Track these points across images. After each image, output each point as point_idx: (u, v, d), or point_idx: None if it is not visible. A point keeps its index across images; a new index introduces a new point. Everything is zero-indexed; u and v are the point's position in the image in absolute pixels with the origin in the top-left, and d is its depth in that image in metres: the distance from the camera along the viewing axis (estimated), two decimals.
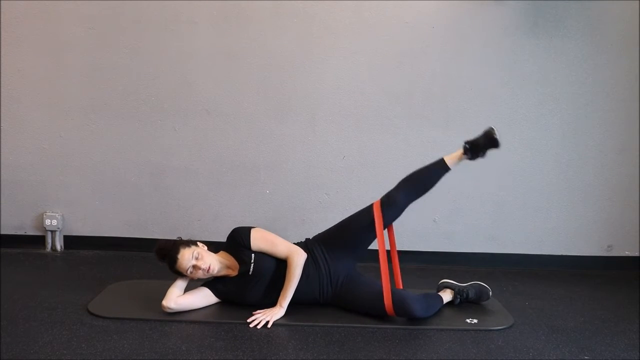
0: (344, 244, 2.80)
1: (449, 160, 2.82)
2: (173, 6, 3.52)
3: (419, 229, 3.68)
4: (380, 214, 2.77)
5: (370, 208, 2.82)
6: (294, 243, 2.81)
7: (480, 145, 2.78)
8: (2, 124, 3.63)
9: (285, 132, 3.63)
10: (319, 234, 2.90)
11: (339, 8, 3.51)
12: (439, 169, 2.83)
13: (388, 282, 2.66)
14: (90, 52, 3.56)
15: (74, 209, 3.72)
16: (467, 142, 2.80)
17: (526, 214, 3.68)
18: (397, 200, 2.80)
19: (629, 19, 3.51)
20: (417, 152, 3.62)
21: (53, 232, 3.71)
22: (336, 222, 2.89)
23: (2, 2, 3.51)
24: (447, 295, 2.87)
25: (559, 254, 3.71)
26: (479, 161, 3.55)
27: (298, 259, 2.67)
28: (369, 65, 3.56)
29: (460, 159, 2.82)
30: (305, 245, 2.81)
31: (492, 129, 2.76)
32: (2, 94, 3.61)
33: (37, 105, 3.62)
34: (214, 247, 2.80)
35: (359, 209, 2.87)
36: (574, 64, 3.55)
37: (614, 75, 3.56)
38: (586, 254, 3.71)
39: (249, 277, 2.69)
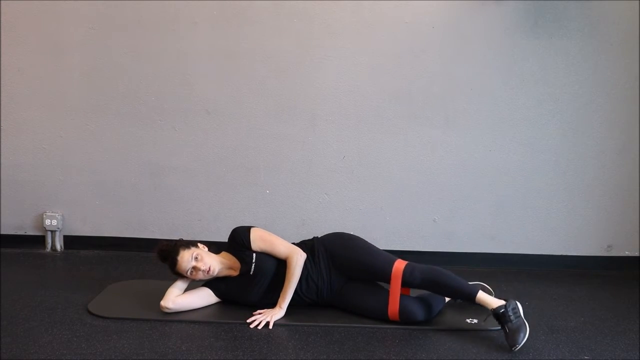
0: (351, 273, 2.74)
1: (478, 298, 2.53)
2: (173, 6, 3.52)
3: (419, 229, 3.68)
4: (399, 286, 2.60)
5: (389, 265, 2.63)
6: (302, 241, 2.81)
7: (508, 329, 2.42)
8: (2, 124, 3.63)
9: (285, 132, 3.62)
10: (329, 239, 2.82)
11: (339, 8, 3.51)
12: (464, 294, 2.60)
13: (397, 296, 2.60)
14: (90, 52, 3.56)
15: (74, 209, 3.71)
16: (506, 314, 2.43)
17: (526, 214, 3.68)
18: (414, 283, 2.61)
19: (629, 19, 3.51)
20: (417, 152, 3.62)
21: (53, 232, 3.71)
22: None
23: (2, 2, 3.51)
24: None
25: (559, 254, 3.71)
26: (479, 168, 3.58)
27: (298, 259, 2.67)
28: (369, 65, 3.56)
29: (488, 307, 2.49)
30: (311, 243, 2.79)
31: (519, 343, 2.38)
32: (2, 94, 3.60)
33: (37, 105, 3.61)
34: (215, 247, 2.80)
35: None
36: (574, 64, 3.54)
37: (614, 75, 3.55)
38: (586, 254, 3.70)
39: (251, 277, 2.70)
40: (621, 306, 3.01)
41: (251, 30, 3.53)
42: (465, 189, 3.64)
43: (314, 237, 2.86)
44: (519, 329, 2.41)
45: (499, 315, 2.43)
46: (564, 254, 3.71)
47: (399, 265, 2.63)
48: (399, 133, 3.62)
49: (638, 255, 3.70)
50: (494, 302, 2.48)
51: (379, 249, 2.78)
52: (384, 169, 3.64)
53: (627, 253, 3.71)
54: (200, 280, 2.73)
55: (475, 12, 3.51)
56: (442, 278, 2.59)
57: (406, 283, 2.62)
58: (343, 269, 2.74)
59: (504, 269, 3.65)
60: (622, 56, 3.53)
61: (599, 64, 3.54)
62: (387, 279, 2.64)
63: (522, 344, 2.37)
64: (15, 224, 3.73)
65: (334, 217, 3.67)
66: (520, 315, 2.46)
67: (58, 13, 3.52)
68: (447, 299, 2.84)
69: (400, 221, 3.67)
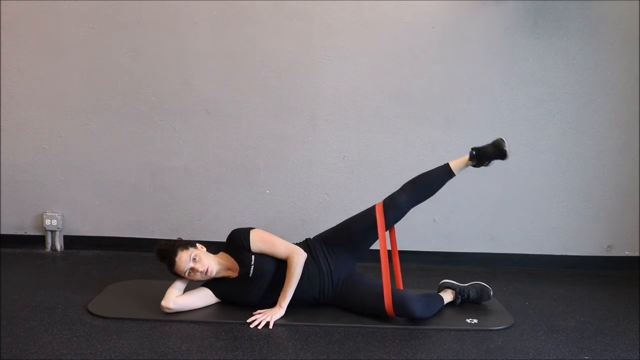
0: (345, 244, 2.80)
1: (453, 166, 2.82)
2: (173, 6, 3.52)
3: (419, 229, 3.68)
4: (383, 216, 2.77)
5: (372, 209, 2.82)
6: (295, 243, 2.81)
7: (487, 154, 2.78)
8: (2, 124, 3.63)
9: (285, 132, 3.63)
10: (320, 233, 2.90)
11: (339, 8, 3.51)
12: (443, 174, 2.83)
13: (389, 283, 2.66)
14: (90, 52, 3.56)
15: (74, 209, 3.72)
16: (474, 149, 2.79)
17: (526, 214, 3.68)
18: (400, 203, 2.80)
19: (629, 19, 3.51)
20: (417, 152, 3.62)
21: (53, 232, 3.71)
22: (337, 222, 2.89)
23: (2, 2, 3.51)
24: (448, 296, 2.87)
25: (559, 254, 3.71)
26: (479, 168, 3.57)
27: (298, 258, 2.67)
28: (369, 65, 3.56)
29: (465, 165, 2.82)
30: (306, 244, 2.81)
31: (502, 140, 2.75)
32: (2, 94, 3.61)
33: (37, 105, 3.62)
34: (214, 247, 2.80)
35: (359, 209, 2.87)
36: (574, 64, 3.55)
37: (614, 75, 3.56)
38: (586, 254, 3.71)
39: (249, 279, 2.69)
40: (621, 306, 3.02)
41: (251, 30, 3.54)
42: (465, 189, 3.64)
43: (306, 239, 2.88)
44: (495, 144, 2.76)
45: (476, 152, 2.76)
46: (564, 254, 3.71)
47: (379, 203, 2.82)
48: (399, 133, 3.62)
49: (638, 255, 3.71)
50: (466, 159, 2.80)
51: None
52: (384, 169, 3.64)
53: (627, 253, 3.71)
54: (200, 281, 2.73)
55: (475, 12, 3.51)
56: (415, 178, 2.83)
57: (387, 206, 2.78)
58: (339, 247, 2.78)
59: (504, 269, 3.65)
60: (622, 56, 3.54)
61: (599, 64, 3.55)
62: (374, 218, 2.76)
63: (508, 148, 2.73)
64: (15, 224, 3.73)
65: (334, 217, 3.64)
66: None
67: (58, 13, 3.53)
68: (447, 300, 2.84)
69: (400, 221, 3.66)
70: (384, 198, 2.85)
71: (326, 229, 2.92)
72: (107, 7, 3.52)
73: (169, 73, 3.58)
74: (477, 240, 3.70)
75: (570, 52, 3.54)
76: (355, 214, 2.88)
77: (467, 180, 3.62)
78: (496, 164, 3.58)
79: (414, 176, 2.86)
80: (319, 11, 3.52)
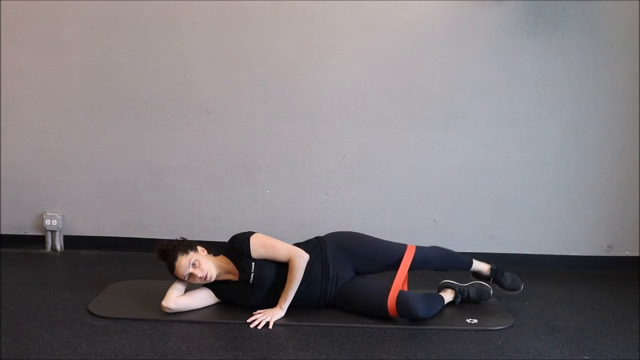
0: (360, 260, 2.79)
1: (474, 264, 2.99)
2: (173, 6, 3.52)
3: (419, 229, 3.68)
4: (410, 261, 2.79)
5: (403, 248, 2.84)
6: (305, 241, 2.81)
7: (502, 285, 2.97)
8: (2, 124, 3.63)
9: (285, 132, 3.62)
10: (335, 234, 2.88)
11: (339, 8, 3.51)
12: (465, 261, 2.99)
13: (399, 287, 2.66)
14: (90, 52, 3.56)
15: (74, 209, 3.71)
16: (497, 272, 2.96)
17: (526, 214, 3.68)
18: (429, 258, 2.87)
19: (629, 19, 3.51)
20: (417, 152, 3.62)
21: (53, 232, 3.71)
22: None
23: (2, 2, 3.51)
24: (448, 295, 2.86)
25: (559, 254, 3.71)
26: (479, 168, 3.59)
27: (300, 261, 2.65)
28: (369, 65, 3.56)
29: (482, 271, 2.99)
30: (317, 243, 2.79)
31: (521, 286, 2.97)
32: (2, 94, 3.61)
33: (37, 105, 3.62)
34: (214, 248, 2.80)
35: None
36: (574, 64, 3.54)
37: (614, 75, 3.55)
38: (586, 254, 3.70)
39: (250, 285, 2.68)
40: (621, 306, 3.01)
41: (251, 30, 3.53)
42: (465, 189, 3.64)
43: (317, 237, 2.86)
44: (513, 277, 2.97)
45: (495, 273, 2.95)
46: (564, 254, 3.71)
47: (411, 246, 2.87)
48: (399, 133, 3.62)
49: (638, 255, 3.71)
50: (485, 265, 2.98)
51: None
52: (384, 169, 3.64)
53: (627, 253, 3.71)
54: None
55: (475, 12, 3.51)
56: (448, 250, 2.96)
57: (418, 258, 2.81)
58: (355, 258, 2.78)
59: (504, 269, 3.64)
60: (622, 56, 3.54)
61: (599, 64, 3.54)
62: (400, 256, 2.79)
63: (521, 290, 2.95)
64: (15, 224, 3.73)
65: (334, 217, 3.67)
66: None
67: (58, 13, 3.53)
68: (447, 300, 2.84)
69: (400, 221, 3.67)
70: (415, 245, 2.89)
71: (326, 229, 2.92)
72: (107, 7, 3.52)
73: (169, 73, 3.58)
74: (477, 240, 3.70)
75: (570, 52, 3.53)
76: (385, 239, 2.90)
77: (467, 180, 3.63)
78: (495, 164, 3.61)
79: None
80: (319, 11, 3.51)
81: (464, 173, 3.63)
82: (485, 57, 3.55)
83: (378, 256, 2.82)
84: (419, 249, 2.85)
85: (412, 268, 2.80)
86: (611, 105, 3.58)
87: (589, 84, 3.56)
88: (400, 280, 2.70)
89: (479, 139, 3.61)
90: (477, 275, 3.00)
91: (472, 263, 2.97)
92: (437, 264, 2.90)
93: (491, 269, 2.96)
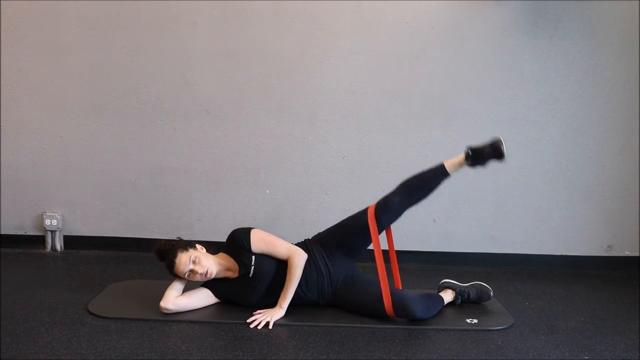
0: (341, 246, 2.79)
1: (448, 166, 2.75)
2: (173, 6, 3.52)
3: (418, 229, 3.68)
4: (374, 219, 2.75)
5: (365, 212, 2.80)
6: (294, 244, 2.81)
7: (483, 154, 2.71)
8: (2, 124, 3.64)
9: (285, 132, 3.63)
10: (317, 234, 2.90)
11: (339, 8, 3.51)
12: (438, 174, 2.78)
13: (387, 284, 2.66)
14: (90, 52, 3.56)
15: (74, 209, 3.72)
16: (470, 149, 2.72)
17: (526, 214, 3.68)
18: (393, 205, 2.78)
19: (629, 19, 3.51)
20: (417, 152, 3.62)
21: (53, 232, 3.71)
22: (335, 223, 2.89)
23: (2, 2, 3.51)
24: (448, 296, 2.86)
25: (559, 254, 3.71)
26: (479, 168, 3.58)
27: (299, 259, 2.66)
28: (369, 65, 3.56)
29: (460, 165, 2.75)
30: (305, 245, 2.80)
31: (500, 140, 2.68)
32: (2, 94, 3.61)
33: (37, 105, 3.62)
34: (214, 247, 2.80)
35: (359, 209, 2.87)
36: (574, 64, 3.55)
37: (614, 75, 3.56)
38: (586, 254, 3.71)
39: (250, 279, 2.69)
40: (621, 306, 3.01)
41: (251, 30, 3.54)
42: (465, 189, 3.64)
43: (305, 240, 2.87)
44: (492, 145, 2.69)
45: (473, 152, 2.69)
46: (564, 254, 3.71)
47: (371, 206, 2.79)
48: (399, 133, 3.62)
49: (638, 255, 3.71)
50: (461, 158, 2.73)
51: None
52: (384, 169, 3.64)
53: (627, 253, 3.71)
54: (199, 281, 2.72)
55: (475, 12, 3.51)
56: (409, 178, 2.78)
57: (381, 208, 2.74)
58: (335, 248, 2.77)
59: (504, 269, 3.65)
60: (622, 56, 3.54)
61: (599, 64, 3.55)
62: (366, 221, 2.73)
63: (505, 149, 2.67)
64: (15, 224, 3.73)
65: (334, 217, 3.63)
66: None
67: (58, 13, 3.53)
68: (447, 300, 2.84)
69: (400, 221, 3.66)
70: (377, 200, 2.83)
71: (325, 229, 2.91)
72: (107, 7, 3.52)
73: (169, 73, 3.58)
74: (477, 240, 3.70)
75: (570, 52, 3.54)
76: (352, 214, 2.86)
77: (467, 180, 3.63)
78: (496, 164, 3.60)
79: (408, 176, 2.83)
80: (319, 11, 3.52)
81: (464, 173, 3.62)
82: (485, 57, 3.55)
83: (348, 230, 2.80)
84: (377, 204, 2.77)
85: (385, 222, 2.78)
86: (611, 105, 3.58)
87: (589, 84, 3.56)
88: (382, 271, 2.68)
89: (479, 139, 3.60)
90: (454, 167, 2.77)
91: (445, 168, 2.76)
92: (408, 199, 2.77)
93: (466, 155, 2.72)
